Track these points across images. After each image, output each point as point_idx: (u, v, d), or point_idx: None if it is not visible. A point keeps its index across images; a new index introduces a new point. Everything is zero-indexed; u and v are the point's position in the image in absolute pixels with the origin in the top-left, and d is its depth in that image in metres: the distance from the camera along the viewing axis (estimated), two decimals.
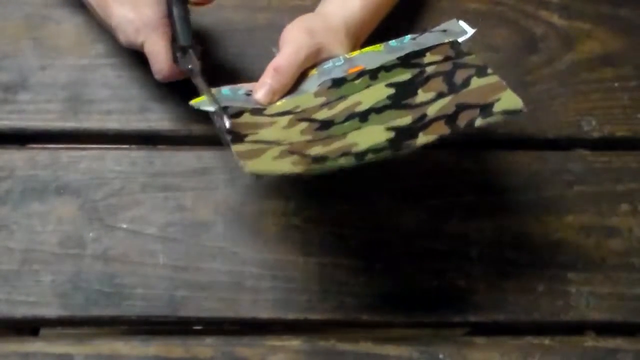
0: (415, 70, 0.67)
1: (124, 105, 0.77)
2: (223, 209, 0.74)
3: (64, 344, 0.70)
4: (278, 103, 0.68)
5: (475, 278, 0.73)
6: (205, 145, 0.76)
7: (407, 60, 0.68)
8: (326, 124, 0.65)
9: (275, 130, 0.65)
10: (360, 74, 0.69)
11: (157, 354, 0.70)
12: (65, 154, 0.76)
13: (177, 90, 0.76)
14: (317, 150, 0.62)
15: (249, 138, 0.64)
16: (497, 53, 0.81)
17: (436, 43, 0.69)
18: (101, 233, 0.73)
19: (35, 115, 0.76)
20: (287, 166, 0.60)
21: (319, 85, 0.69)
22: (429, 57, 0.68)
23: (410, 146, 0.60)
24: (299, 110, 0.67)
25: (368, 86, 0.67)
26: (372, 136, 0.62)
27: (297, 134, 0.64)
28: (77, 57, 0.78)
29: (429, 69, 0.66)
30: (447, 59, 0.67)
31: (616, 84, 0.81)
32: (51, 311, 0.71)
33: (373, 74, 0.68)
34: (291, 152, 0.62)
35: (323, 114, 0.66)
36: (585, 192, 0.77)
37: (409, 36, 0.71)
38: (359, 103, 0.66)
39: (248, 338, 0.71)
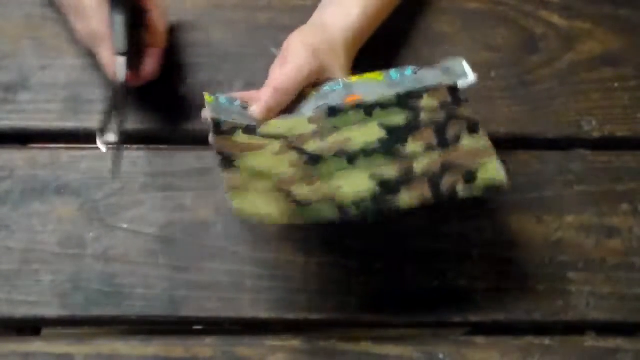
0: (410, 114, 0.68)
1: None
2: (223, 209, 0.74)
3: (64, 343, 0.70)
4: (272, 122, 0.69)
5: (475, 278, 0.73)
6: (205, 145, 0.76)
7: (404, 101, 0.69)
8: (315, 159, 0.66)
9: (266, 157, 0.66)
10: (357, 105, 0.69)
11: (157, 354, 0.70)
12: (66, 154, 0.76)
13: (177, 90, 0.76)
14: (302, 191, 0.63)
15: (238, 163, 0.64)
16: (497, 53, 0.81)
17: (436, 83, 0.69)
18: (101, 233, 0.73)
19: (35, 115, 0.76)
20: (272, 210, 0.61)
21: (315, 110, 0.69)
22: (425, 101, 0.68)
23: (392, 205, 0.63)
24: (291, 135, 0.68)
25: (362, 122, 0.68)
26: (356, 183, 0.64)
27: (286, 164, 0.65)
28: (77, 57, 0.78)
29: (423, 116, 0.68)
30: (442, 106, 0.68)
31: (616, 84, 0.81)
32: (51, 311, 0.71)
33: (369, 110, 0.69)
34: (277, 190, 0.63)
35: (314, 145, 0.67)
36: (585, 192, 0.77)
37: (410, 69, 0.71)
38: (350, 140, 0.67)
39: (248, 338, 0.71)
